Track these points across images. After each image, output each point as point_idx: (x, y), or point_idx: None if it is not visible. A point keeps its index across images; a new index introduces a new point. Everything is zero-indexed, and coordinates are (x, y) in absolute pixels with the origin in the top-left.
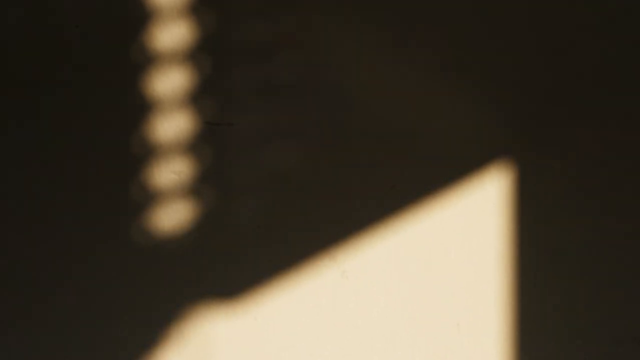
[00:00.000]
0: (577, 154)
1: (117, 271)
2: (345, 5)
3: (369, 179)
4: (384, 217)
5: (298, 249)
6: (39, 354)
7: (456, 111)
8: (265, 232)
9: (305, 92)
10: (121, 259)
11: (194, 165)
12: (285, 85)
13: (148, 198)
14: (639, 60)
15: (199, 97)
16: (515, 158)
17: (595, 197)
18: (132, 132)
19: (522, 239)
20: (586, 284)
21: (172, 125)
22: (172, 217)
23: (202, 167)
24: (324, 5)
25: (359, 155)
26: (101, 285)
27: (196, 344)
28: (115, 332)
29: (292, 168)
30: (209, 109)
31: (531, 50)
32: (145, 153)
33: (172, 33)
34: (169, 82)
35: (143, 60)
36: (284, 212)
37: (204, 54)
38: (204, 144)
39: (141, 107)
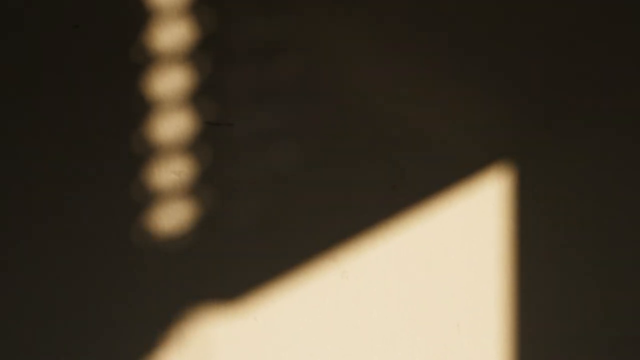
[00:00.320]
0: (577, 155)
1: (117, 271)
2: (345, 5)
3: (369, 179)
4: (384, 217)
5: (298, 249)
6: (38, 354)
7: (457, 112)
8: (265, 232)
9: (305, 93)
10: (121, 259)
11: (194, 165)
12: (285, 86)
13: (148, 198)
14: (639, 62)
15: (199, 97)
16: (515, 159)
17: (595, 198)
18: (132, 132)
19: (522, 240)
20: (586, 284)
21: (172, 125)
22: (172, 217)
23: (202, 167)
24: (324, 6)
25: (359, 156)
26: (101, 286)
27: (196, 344)
28: (115, 332)
29: (291, 168)
30: (209, 109)
31: (532, 52)
32: (145, 153)
33: (172, 33)
34: (169, 82)
35: (143, 60)
36: (284, 213)
37: (204, 54)
38: (204, 144)
39: (141, 107)
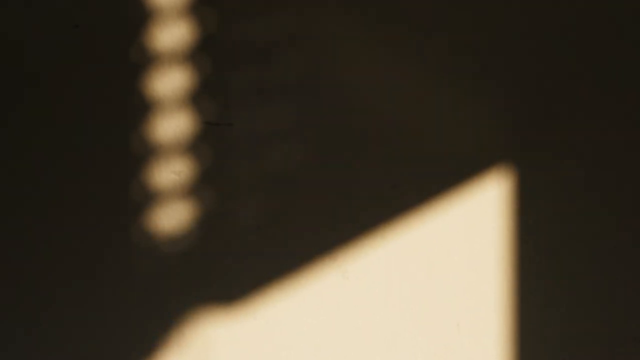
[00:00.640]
0: (577, 157)
1: (117, 271)
2: (345, 5)
3: (369, 180)
4: (385, 218)
5: (299, 249)
6: (38, 355)
7: (457, 114)
8: (265, 233)
9: (305, 92)
10: (121, 259)
11: (194, 165)
12: (285, 85)
13: (148, 198)
14: (638, 62)
15: (199, 97)
16: (515, 161)
17: (595, 199)
18: (132, 132)
19: (523, 241)
20: (586, 285)
21: (172, 125)
22: (172, 217)
23: (202, 167)
24: (324, 5)
25: (359, 156)
26: (101, 286)
27: (197, 345)
28: (115, 333)
29: (292, 168)
30: (209, 109)
31: (532, 53)
32: (145, 153)
33: (172, 33)
34: (169, 82)
35: (143, 60)
36: (284, 213)
37: (204, 54)
38: (204, 144)
39: (141, 107)
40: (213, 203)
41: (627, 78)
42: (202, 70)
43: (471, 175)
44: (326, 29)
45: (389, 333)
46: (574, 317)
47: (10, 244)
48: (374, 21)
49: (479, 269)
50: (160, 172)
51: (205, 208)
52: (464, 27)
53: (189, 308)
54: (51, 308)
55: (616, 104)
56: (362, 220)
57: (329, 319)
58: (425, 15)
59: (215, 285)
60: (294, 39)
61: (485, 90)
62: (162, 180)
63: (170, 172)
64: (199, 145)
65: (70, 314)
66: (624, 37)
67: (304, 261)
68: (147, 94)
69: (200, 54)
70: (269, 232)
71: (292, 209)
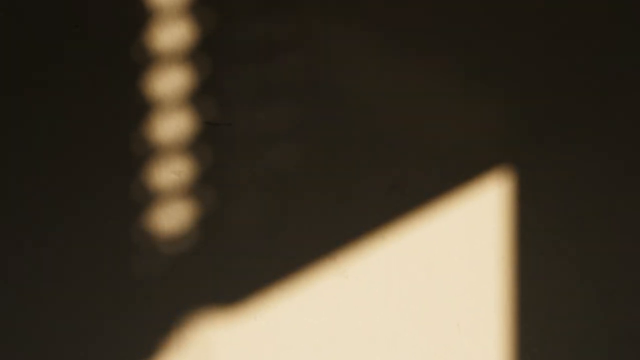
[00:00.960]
0: (577, 159)
1: (117, 272)
2: (345, 5)
3: (369, 180)
4: (385, 218)
5: (299, 250)
6: (39, 355)
7: (457, 114)
8: (265, 233)
9: (305, 92)
10: (121, 259)
11: (194, 165)
12: (285, 85)
13: (148, 198)
14: (639, 64)
15: (199, 97)
16: (516, 162)
17: (595, 201)
18: (132, 132)
19: (523, 242)
20: (586, 285)
21: (172, 125)
22: (172, 217)
23: (202, 167)
24: (324, 6)
25: (359, 157)
26: (100, 286)
27: (196, 347)
28: (115, 334)
29: (292, 168)
30: (209, 109)
31: (533, 55)
32: (145, 153)
33: (172, 33)
34: (169, 82)
35: (143, 60)
36: (284, 213)
37: (204, 54)
38: (204, 144)
39: (141, 107)
40: (213, 203)
41: (628, 82)
42: (202, 70)
43: (471, 175)
44: (326, 29)
45: (389, 333)
46: (574, 317)
47: (10, 244)
48: (374, 22)
49: (479, 269)
50: (160, 172)
51: (205, 208)
52: (465, 29)
53: (189, 308)
54: (51, 308)
55: (617, 108)
56: (362, 221)
57: (329, 320)
58: (425, 17)
59: (215, 286)
60: (294, 39)
61: (485, 92)
62: (162, 180)
63: (170, 172)
64: (199, 145)
65: (70, 314)
66: (624, 38)
67: (304, 261)
68: (147, 94)
69: (200, 54)
70: (269, 232)
71: (292, 209)
